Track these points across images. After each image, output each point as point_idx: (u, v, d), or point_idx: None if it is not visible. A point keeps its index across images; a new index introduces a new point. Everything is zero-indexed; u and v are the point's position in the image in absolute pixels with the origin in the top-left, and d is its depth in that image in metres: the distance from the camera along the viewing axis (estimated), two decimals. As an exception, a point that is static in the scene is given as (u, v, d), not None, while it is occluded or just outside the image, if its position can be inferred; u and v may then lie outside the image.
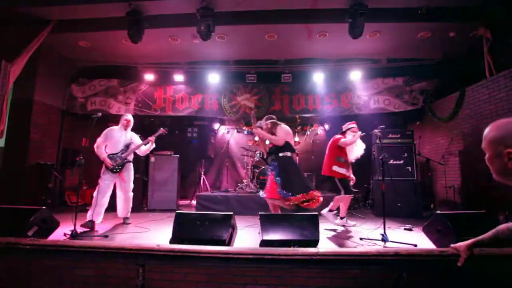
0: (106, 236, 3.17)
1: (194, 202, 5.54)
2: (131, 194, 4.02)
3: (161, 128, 4.06)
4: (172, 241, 2.31)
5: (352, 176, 4.07)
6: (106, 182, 3.74)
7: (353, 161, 4.15)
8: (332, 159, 4.01)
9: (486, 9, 4.11)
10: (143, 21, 4.18)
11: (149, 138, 3.96)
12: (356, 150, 4.05)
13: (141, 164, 5.38)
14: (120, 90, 6.26)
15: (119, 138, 3.90)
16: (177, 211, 2.54)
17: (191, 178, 6.48)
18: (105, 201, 3.73)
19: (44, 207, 2.59)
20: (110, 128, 3.95)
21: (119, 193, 3.96)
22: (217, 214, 2.46)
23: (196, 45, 5.02)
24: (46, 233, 2.57)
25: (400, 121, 6.25)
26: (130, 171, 3.97)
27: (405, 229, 3.78)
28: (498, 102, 4.09)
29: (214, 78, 6.16)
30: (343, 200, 3.94)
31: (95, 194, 3.70)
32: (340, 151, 4.00)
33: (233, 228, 2.50)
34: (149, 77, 6.19)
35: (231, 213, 2.45)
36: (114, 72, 6.30)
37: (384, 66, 6.00)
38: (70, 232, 3.01)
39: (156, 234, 3.45)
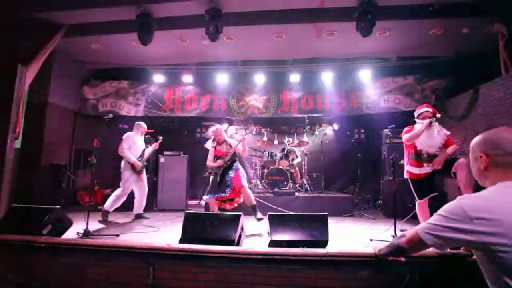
0: (117, 235, 3.23)
1: (203, 202, 5.57)
2: None
3: (160, 137, 4.66)
4: (181, 240, 2.33)
5: (426, 170, 3.11)
6: (132, 183, 4.26)
7: (437, 152, 3.10)
8: (407, 157, 3.30)
9: (502, 4, 3.98)
10: (152, 24, 4.24)
11: (155, 144, 4.65)
12: (425, 138, 3.09)
13: (151, 164, 5.46)
14: (130, 92, 6.37)
15: (139, 144, 4.44)
16: (186, 211, 2.57)
17: (200, 178, 6.52)
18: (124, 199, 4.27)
19: (58, 207, 2.66)
20: (128, 134, 4.39)
21: (139, 192, 4.42)
22: (226, 214, 2.47)
23: (204, 46, 5.06)
24: (60, 232, 2.64)
25: (411, 120, 6.13)
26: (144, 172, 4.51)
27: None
28: (509, 105, 3.96)
29: (222, 79, 6.19)
30: (417, 209, 3.21)
31: (118, 192, 4.16)
32: (408, 145, 3.26)
33: (242, 228, 2.50)
34: (159, 78, 6.27)
35: (240, 213, 2.45)
36: (124, 73, 6.41)
37: (394, 64, 5.90)
38: (82, 231, 3.08)
39: (166, 233, 3.50)
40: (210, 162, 3.93)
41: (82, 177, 6.04)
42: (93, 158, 3.29)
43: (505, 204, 0.96)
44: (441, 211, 1.09)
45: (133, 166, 4.23)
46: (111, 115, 3.68)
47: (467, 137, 4.90)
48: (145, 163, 4.47)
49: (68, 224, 2.78)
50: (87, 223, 3.11)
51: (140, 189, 4.41)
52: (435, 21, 4.37)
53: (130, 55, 5.70)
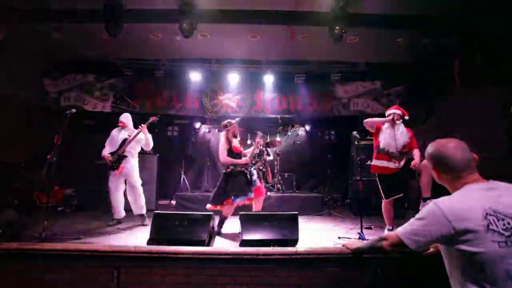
0: (79, 238, 3.04)
1: (173, 202, 5.43)
2: (140, 188, 3.98)
3: (152, 117, 4.10)
4: (149, 242, 2.25)
5: (394, 165, 3.08)
6: (112, 181, 3.88)
7: (397, 153, 3.14)
8: (375, 153, 3.23)
9: (460, 23, 4.34)
10: (122, 15, 4.03)
11: (140, 126, 3.89)
12: (389, 137, 3.11)
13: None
14: (96, 86, 6.01)
15: (118, 138, 4.00)
16: (155, 211, 2.48)
17: (171, 178, 6.34)
18: (119, 199, 3.91)
19: (10, 209, 2.43)
20: (112, 131, 4.09)
21: (127, 190, 3.98)
22: (197, 214, 2.43)
23: (177, 42, 4.92)
24: (13, 236, 2.42)
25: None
26: (130, 165, 3.94)
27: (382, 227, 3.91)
28: (463, 111, 4.33)
29: (195, 76, 6.06)
30: (383, 208, 3.23)
31: (109, 194, 3.89)
32: (376, 137, 3.22)
33: (213, 228, 2.48)
34: (128, 73, 5.99)
35: (211, 213, 2.42)
36: (90, 66, 6.03)
37: (363, 70, 6.17)
38: (39, 235, 2.85)
39: (134, 235, 3.36)
40: (227, 157, 3.50)
41: (39, 176, 5.57)
42: (52, 155, 3.05)
43: (471, 205, 1.13)
44: (419, 215, 1.24)
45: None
46: (73, 110, 3.41)
47: (427, 141, 5.27)
48: (121, 155, 3.86)
49: (22, 227, 2.56)
50: (45, 226, 2.88)
51: (127, 185, 3.94)
52: (400, 31, 4.65)
53: (97, 47, 5.35)
